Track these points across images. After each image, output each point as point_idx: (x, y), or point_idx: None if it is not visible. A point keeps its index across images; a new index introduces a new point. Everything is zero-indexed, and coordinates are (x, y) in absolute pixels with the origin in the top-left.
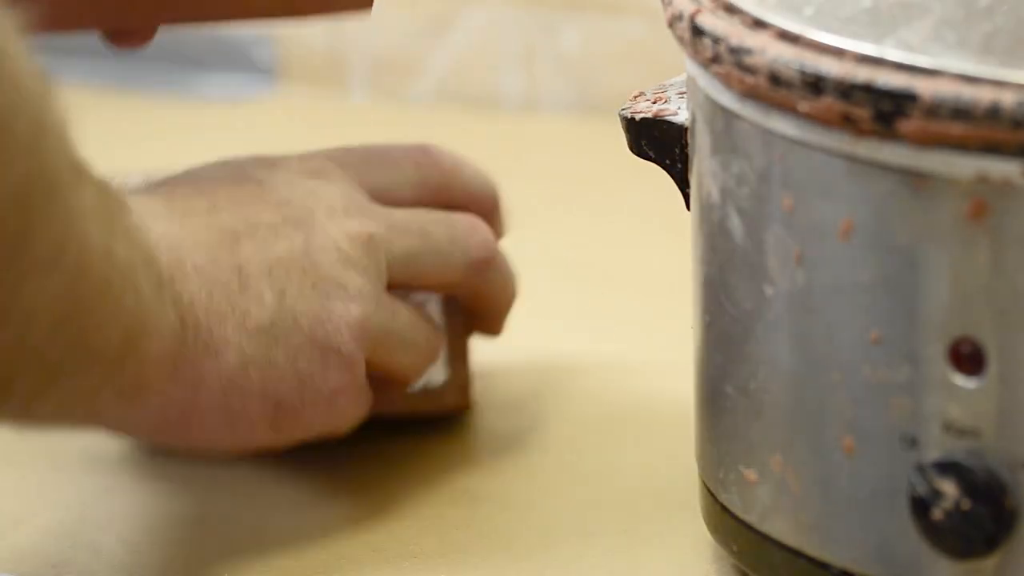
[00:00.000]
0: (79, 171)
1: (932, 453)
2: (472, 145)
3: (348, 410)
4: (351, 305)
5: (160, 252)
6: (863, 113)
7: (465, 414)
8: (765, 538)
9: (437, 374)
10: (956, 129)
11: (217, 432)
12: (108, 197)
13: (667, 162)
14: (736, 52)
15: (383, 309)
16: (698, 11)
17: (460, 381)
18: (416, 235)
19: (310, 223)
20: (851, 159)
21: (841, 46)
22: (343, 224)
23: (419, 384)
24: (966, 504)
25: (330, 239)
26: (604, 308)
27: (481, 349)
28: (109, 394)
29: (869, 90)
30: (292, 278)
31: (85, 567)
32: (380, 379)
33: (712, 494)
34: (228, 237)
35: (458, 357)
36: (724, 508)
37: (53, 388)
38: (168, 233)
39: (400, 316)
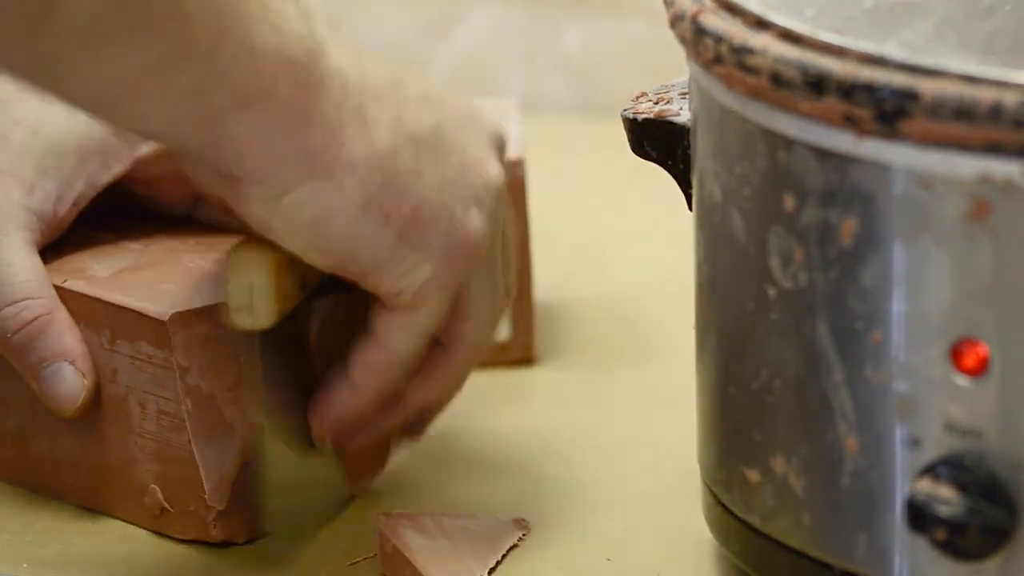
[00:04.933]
0: None
1: (934, 453)
2: None
3: (465, 264)
4: (498, 172)
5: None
6: (865, 113)
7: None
8: (767, 539)
9: (502, 329)
10: (958, 129)
11: (350, 210)
12: None
13: (669, 163)
14: (738, 52)
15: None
16: (700, 11)
17: (523, 337)
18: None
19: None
20: (853, 159)
21: (843, 46)
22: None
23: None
24: (968, 504)
25: (493, 136)
26: (605, 308)
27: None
28: (220, 95)
29: (871, 90)
30: (451, 124)
31: None
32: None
33: (714, 495)
34: (396, 83)
35: (521, 313)
36: (726, 509)
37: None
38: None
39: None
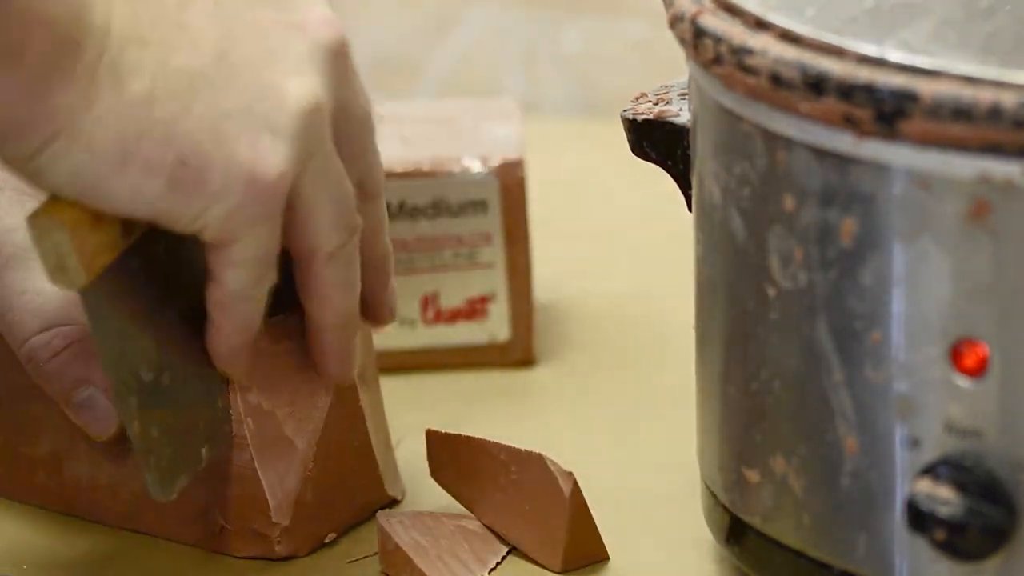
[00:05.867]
0: None
1: (934, 454)
2: None
3: (259, 205)
4: (306, 90)
5: None
6: (864, 114)
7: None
8: (767, 539)
9: (502, 331)
10: (957, 129)
11: (103, 165)
12: None
13: (669, 163)
14: (738, 53)
15: (327, 114)
16: (700, 12)
17: (523, 338)
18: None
19: (291, 8)
20: (853, 160)
21: (843, 46)
22: (322, 50)
23: (485, 339)
24: (967, 505)
25: (305, 37)
26: (605, 308)
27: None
28: None
29: (871, 90)
30: (246, 43)
31: None
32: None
33: (714, 495)
34: None
35: (521, 315)
36: (726, 509)
37: None
38: None
39: (330, 144)
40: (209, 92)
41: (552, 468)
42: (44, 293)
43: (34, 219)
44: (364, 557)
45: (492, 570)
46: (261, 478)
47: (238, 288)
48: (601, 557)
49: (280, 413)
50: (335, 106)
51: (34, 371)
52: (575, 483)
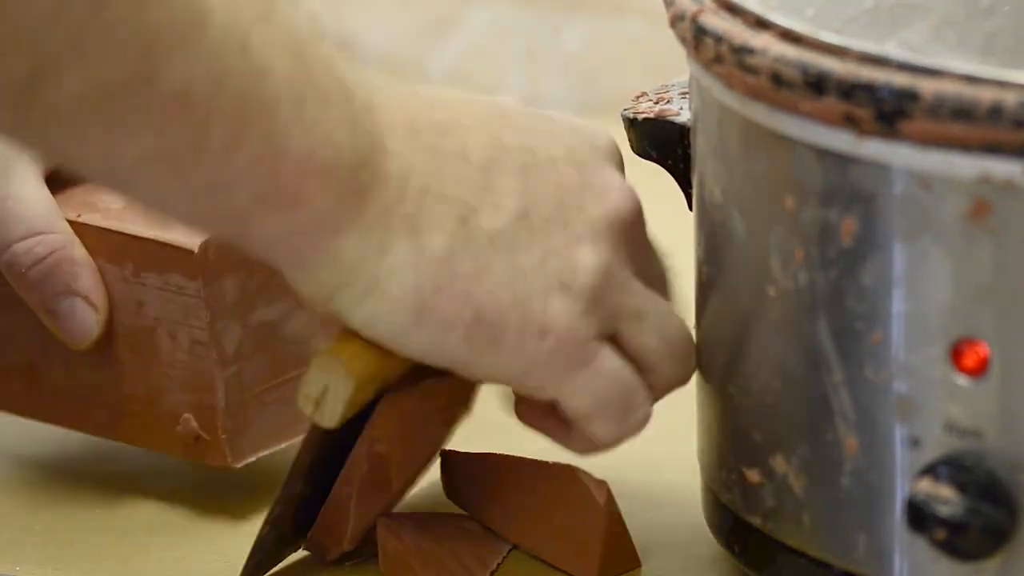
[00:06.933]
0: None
1: (934, 454)
2: None
3: (556, 358)
4: (598, 257)
5: (370, 103)
6: (865, 113)
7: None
8: (767, 539)
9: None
10: (958, 129)
11: (401, 318)
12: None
13: (669, 162)
14: (738, 52)
15: (624, 275)
16: (700, 11)
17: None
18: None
19: (593, 172)
20: (853, 159)
21: (843, 46)
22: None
23: None
24: (967, 505)
25: (603, 204)
26: None
27: None
28: (239, 195)
29: (871, 90)
30: (547, 204)
31: None
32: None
33: (714, 495)
34: (488, 141)
35: None
36: (726, 509)
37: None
38: (396, 100)
39: (641, 293)
40: (507, 252)
41: (584, 479)
42: (26, 200)
43: (327, 351)
44: (364, 559)
45: (493, 571)
46: (350, 511)
47: (610, 433)
48: (634, 564)
49: (395, 459)
50: (633, 270)
51: (15, 278)
52: (609, 492)
